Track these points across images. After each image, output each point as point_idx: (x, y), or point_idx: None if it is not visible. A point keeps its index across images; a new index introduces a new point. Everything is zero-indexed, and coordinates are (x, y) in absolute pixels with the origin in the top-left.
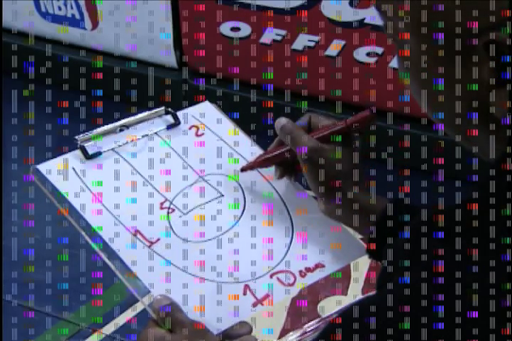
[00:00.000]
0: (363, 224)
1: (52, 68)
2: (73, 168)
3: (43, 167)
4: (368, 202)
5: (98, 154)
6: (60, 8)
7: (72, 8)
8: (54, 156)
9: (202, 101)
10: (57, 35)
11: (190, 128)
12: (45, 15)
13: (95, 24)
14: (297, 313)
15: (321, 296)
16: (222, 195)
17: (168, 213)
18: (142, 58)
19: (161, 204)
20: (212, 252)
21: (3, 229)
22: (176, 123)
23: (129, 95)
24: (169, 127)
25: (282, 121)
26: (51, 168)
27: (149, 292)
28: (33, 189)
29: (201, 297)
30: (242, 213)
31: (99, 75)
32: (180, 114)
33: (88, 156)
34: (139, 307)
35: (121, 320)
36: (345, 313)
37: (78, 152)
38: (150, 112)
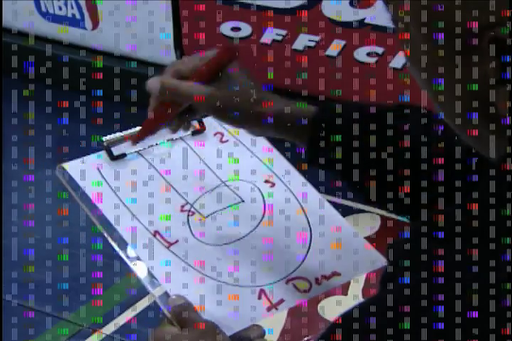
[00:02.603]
0: (297, 131)
1: (52, 68)
2: (98, 169)
3: (67, 166)
4: (294, 109)
5: (123, 156)
6: (60, 8)
7: (72, 8)
8: (54, 156)
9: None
10: (57, 35)
11: (215, 135)
12: (45, 15)
13: (96, 24)
14: (297, 313)
15: (321, 296)
16: (243, 201)
17: (188, 216)
18: (142, 58)
19: (182, 206)
20: (230, 256)
21: (3, 229)
22: (202, 129)
23: (129, 95)
24: (194, 133)
25: (156, 80)
26: (76, 168)
27: (160, 285)
28: (33, 189)
29: (217, 298)
30: (262, 218)
31: (99, 75)
32: (205, 120)
33: (113, 157)
34: (138, 307)
35: (121, 320)
36: (345, 313)
37: (103, 153)
38: None
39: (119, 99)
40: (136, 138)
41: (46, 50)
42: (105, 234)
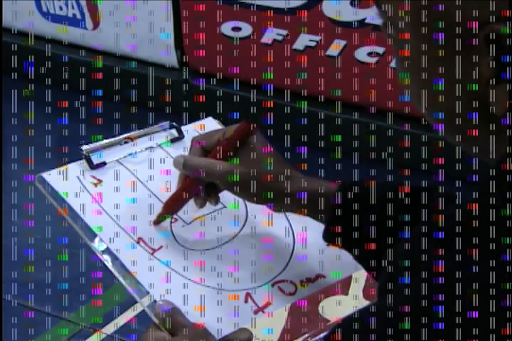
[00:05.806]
0: (316, 208)
1: (52, 68)
2: (77, 177)
3: (47, 175)
4: (314, 186)
5: (102, 164)
6: (61, 8)
7: (73, 8)
8: (54, 156)
9: (202, 101)
10: (58, 35)
11: None
12: (45, 15)
13: (96, 24)
14: (298, 313)
15: (321, 296)
16: (225, 207)
17: (171, 223)
18: (142, 58)
19: None
20: (214, 261)
21: (3, 229)
22: (180, 137)
23: (129, 95)
24: (173, 141)
25: (180, 158)
26: (56, 177)
27: (148, 293)
28: (33, 189)
29: (203, 303)
30: (244, 223)
31: (99, 75)
32: (184, 128)
33: (93, 166)
34: (139, 307)
35: (121, 320)
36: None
37: (83, 162)
38: (155, 126)
39: (119, 99)
40: (161, 215)
41: (46, 50)
42: (88, 244)
